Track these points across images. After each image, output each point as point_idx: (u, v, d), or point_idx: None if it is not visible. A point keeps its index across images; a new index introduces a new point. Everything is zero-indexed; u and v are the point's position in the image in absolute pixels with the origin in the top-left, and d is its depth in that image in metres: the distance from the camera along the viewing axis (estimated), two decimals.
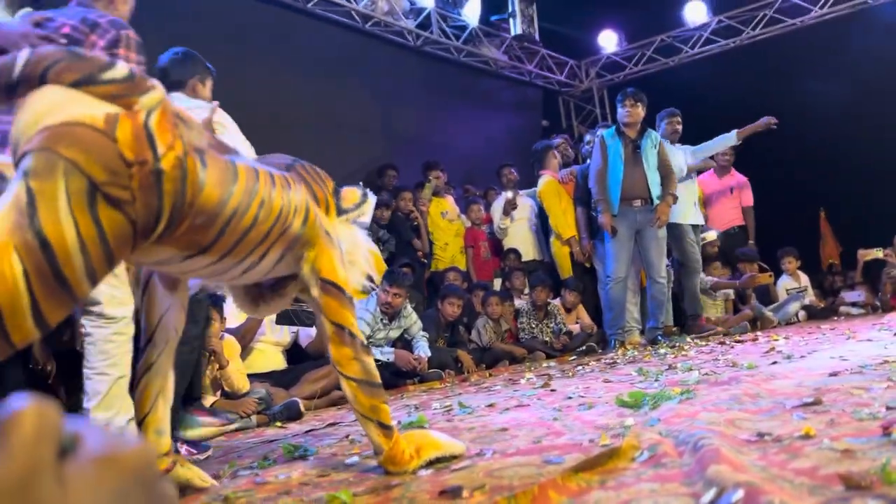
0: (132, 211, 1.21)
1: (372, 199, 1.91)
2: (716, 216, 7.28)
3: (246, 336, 3.83)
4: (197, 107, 2.79)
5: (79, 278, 1.14)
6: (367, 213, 1.89)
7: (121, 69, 1.24)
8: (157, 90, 1.28)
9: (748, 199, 7.24)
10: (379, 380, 1.72)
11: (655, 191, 5.56)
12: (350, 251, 1.82)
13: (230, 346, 3.57)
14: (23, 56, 1.19)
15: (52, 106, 1.17)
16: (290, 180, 1.61)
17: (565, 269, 6.40)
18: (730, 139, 6.29)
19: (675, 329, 5.84)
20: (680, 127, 6.24)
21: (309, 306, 1.77)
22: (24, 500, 0.29)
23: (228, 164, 1.42)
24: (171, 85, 2.98)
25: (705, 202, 7.30)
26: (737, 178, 7.27)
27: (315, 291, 1.68)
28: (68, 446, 0.32)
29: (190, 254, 1.41)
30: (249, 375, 3.55)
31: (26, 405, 0.31)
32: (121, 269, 2.18)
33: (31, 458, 0.30)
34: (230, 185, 1.39)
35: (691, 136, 6.39)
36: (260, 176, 1.50)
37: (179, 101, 2.86)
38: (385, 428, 1.66)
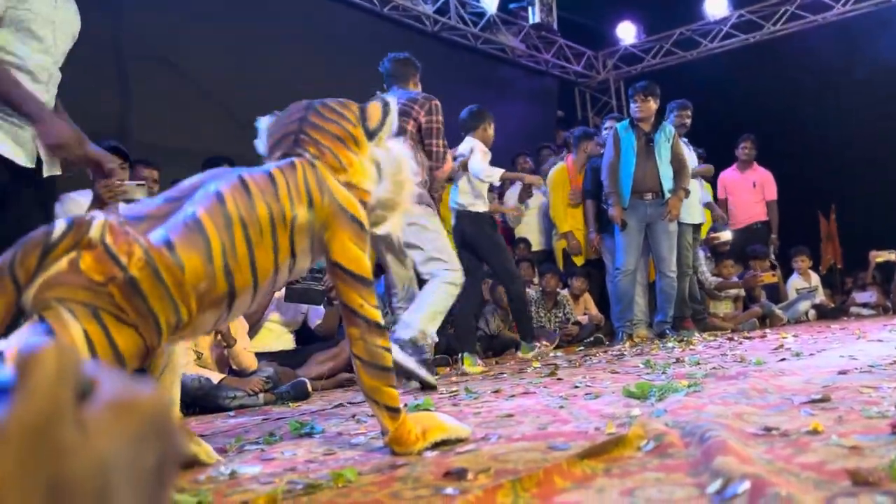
0: (129, 317, 1.36)
1: (394, 107, 1.85)
2: (738, 211, 7.23)
3: (254, 315, 3.85)
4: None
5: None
6: (393, 124, 1.86)
7: (59, 226, 1.35)
8: (97, 218, 1.39)
9: (771, 193, 7.17)
10: (388, 363, 1.70)
11: (667, 184, 5.54)
12: (394, 172, 1.79)
13: (237, 324, 3.59)
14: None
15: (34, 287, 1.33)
16: (273, 174, 1.62)
17: (561, 262, 6.41)
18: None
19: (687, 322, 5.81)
20: (689, 121, 6.19)
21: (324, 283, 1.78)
22: (44, 440, 0.29)
23: (188, 218, 1.48)
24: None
25: (727, 197, 7.26)
26: (759, 172, 7.21)
27: (330, 274, 1.72)
28: (86, 389, 0.32)
29: (227, 305, 1.52)
30: (257, 354, 3.57)
31: (46, 346, 0.31)
32: None
33: (51, 398, 0.30)
34: (202, 242, 1.46)
35: (708, 132, 6.34)
36: (226, 200, 1.53)
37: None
38: (391, 410, 1.66)
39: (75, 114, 2.77)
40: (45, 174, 2.44)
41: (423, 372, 3.17)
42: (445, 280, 3.51)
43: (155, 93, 5.45)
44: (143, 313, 1.36)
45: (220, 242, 1.47)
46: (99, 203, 3.07)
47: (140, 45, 5.48)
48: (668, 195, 5.50)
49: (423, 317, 3.39)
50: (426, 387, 3.13)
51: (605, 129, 6.49)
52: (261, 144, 1.88)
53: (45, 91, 2.40)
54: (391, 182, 1.76)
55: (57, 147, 2.25)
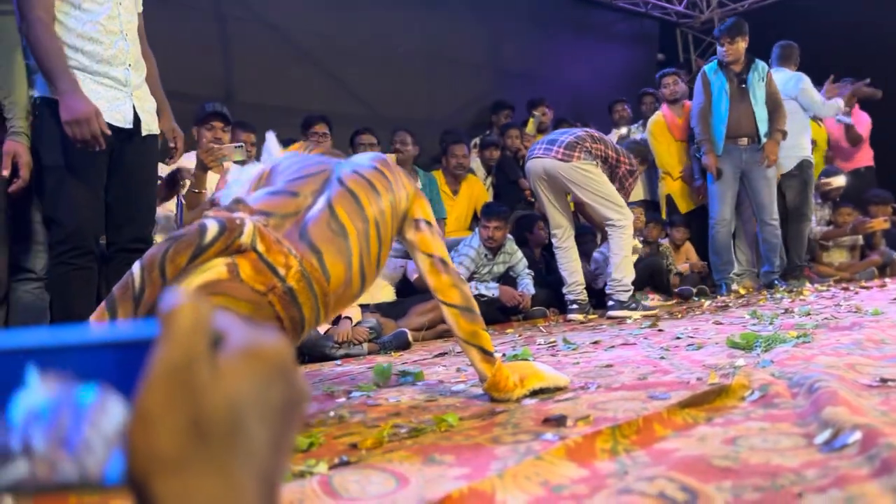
0: (283, 324, 1.45)
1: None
2: (842, 157, 6.82)
3: None
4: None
5: None
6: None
7: (212, 228, 1.38)
8: (248, 223, 1.43)
9: (864, 131, 6.71)
10: (476, 307, 1.78)
11: (763, 128, 5.24)
12: None
13: None
14: (136, 268, 1.37)
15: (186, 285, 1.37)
16: (382, 170, 1.71)
17: (682, 205, 6.14)
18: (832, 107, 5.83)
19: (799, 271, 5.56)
20: None
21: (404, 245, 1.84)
22: (185, 381, 0.34)
23: (331, 222, 1.55)
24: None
25: (832, 143, 6.84)
26: (860, 116, 6.75)
27: (411, 233, 1.77)
28: (218, 339, 0.36)
29: (353, 301, 1.66)
30: (360, 306, 3.69)
31: (183, 300, 0.36)
32: None
33: (189, 345, 0.35)
34: (345, 249, 1.54)
35: (822, 74, 5.94)
36: (362, 201, 1.61)
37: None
38: (487, 353, 1.71)
39: (182, 78, 2.91)
40: (144, 133, 2.60)
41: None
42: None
43: (255, 55, 5.60)
44: (296, 320, 1.47)
45: (359, 248, 1.57)
46: (201, 167, 3.21)
47: (239, 6, 5.63)
48: (764, 139, 5.22)
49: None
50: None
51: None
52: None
53: (103, 49, 2.49)
54: None
55: (67, 122, 2.34)
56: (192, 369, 0.34)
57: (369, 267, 1.60)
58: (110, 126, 2.45)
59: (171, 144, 2.84)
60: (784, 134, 5.30)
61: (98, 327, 0.37)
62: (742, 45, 5.25)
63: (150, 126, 2.65)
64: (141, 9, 2.74)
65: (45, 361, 0.36)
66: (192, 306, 0.35)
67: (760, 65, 5.33)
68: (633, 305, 4.20)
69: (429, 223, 1.77)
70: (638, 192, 6.45)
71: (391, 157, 1.89)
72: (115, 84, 2.51)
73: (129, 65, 2.57)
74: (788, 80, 5.74)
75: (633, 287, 4.29)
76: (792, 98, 5.71)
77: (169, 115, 2.84)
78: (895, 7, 7.75)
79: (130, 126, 2.55)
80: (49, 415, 0.35)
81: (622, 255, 4.21)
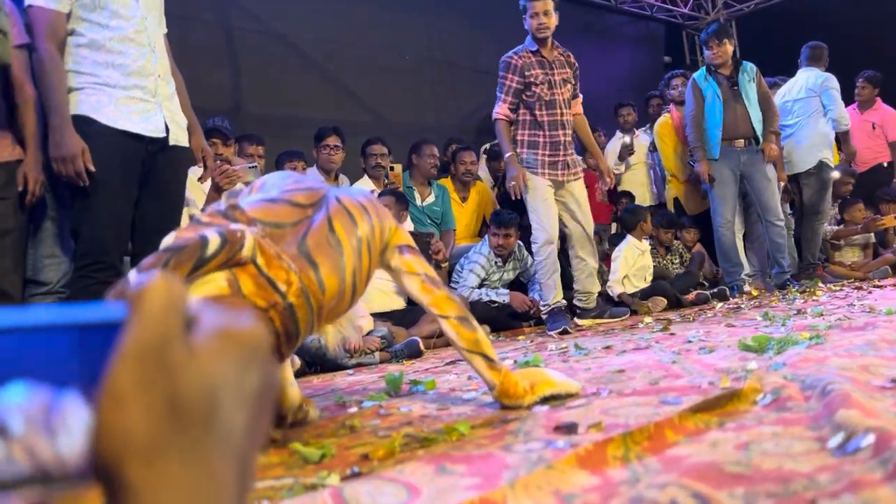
0: (280, 339, 1.46)
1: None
2: (858, 154, 6.77)
3: None
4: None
5: None
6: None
7: (214, 241, 1.35)
8: (247, 236, 1.41)
9: (893, 133, 6.67)
10: (471, 315, 1.79)
11: (760, 127, 5.23)
12: None
13: None
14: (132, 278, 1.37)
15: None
16: (369, 201, 1.73)
17: (690, 207, 6.11)
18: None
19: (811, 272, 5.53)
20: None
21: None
22: (159, 360, 0.32)
23: (329, 236, 1.56)
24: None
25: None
26: (881, 111, 6.70)
27: (395, 260, 1.77)
28: (192, 321, 0.35)
29: (343, 314, 1.68)
30: (372, 315, 3.69)
31: (156, 279, 0.34)
32: None
33: (162, 325, 0.33)
34: (340, 263, 1.55)
35: (831, 71, 5.91)
36: (356, 219, 1.63)
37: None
38: (491, 360, 1.72)
39: (190, 90, 2.94)
40: (172, 143, 2.64)
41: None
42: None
43: (263, 65, 5.63)
44: (291, 334, 1.47)
45: (353, 263, 1.58)
46: (216, 189, 3.25)
47: (248, 17, 5.66)
48: (762, 140, 5.21)
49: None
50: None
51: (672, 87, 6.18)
52: None
53: (132, 60, 2.54)
54: None
55: (54, 158, 2.42)
56: (167, 348, 0.32)
57: (360, 283, 1.62)
58: (142, 137, 2.50)
59: (200, 164, 2.88)
60: (777, 135, 5.29)
61: (52, 309, 0.34)
62: (729, 47, 5.26)
63: (179, 138, 2.70)
64: (166, 30, 2.78)
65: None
66: (165, 285, 0.34)
67: (748, 66, 5.34)
68: (562, 323, 3.91)
69: (410, 247, 1.79)
70: (645, 196, 6.44)
71: (398, 168, 1.91)
72: (146, 95, 2.57)
73: (159, 75, 2.62)
74: (817, 77, 5.74)
75: (556, 304, 4.05)
76: (816, 95, 5.70)
77: (199, 134, 2.89)
78: None
79: (163, 135, 2.60)
80: (27, 398, 0.33)
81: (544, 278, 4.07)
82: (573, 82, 4.29)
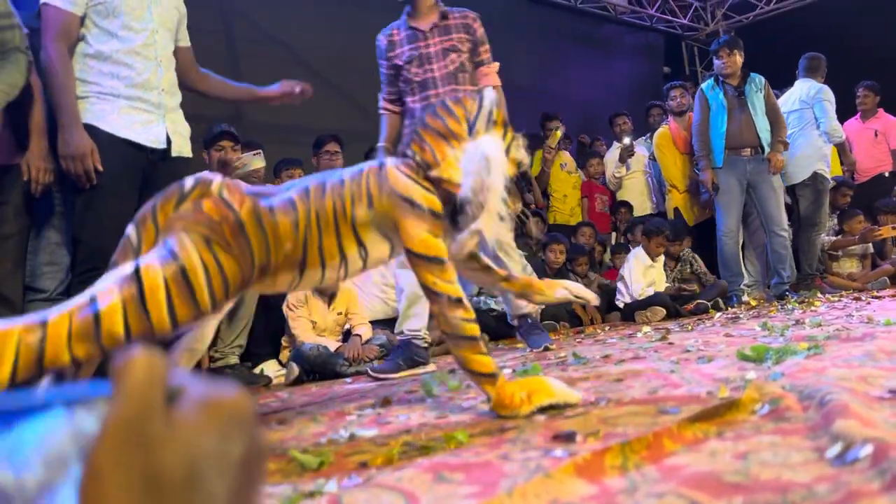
0: (234, 251, 1.66)
1: (489, 101, 1.86)
2: (860, 163, 6.80)
3: (328, 288, 3.94)
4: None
5: (203, 292, 1.59)
6: (486, 118, 1.86)
7: (189, 181, 1.77)
8: (216, 179, 1.78)
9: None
10: (470, 333, 1.75)
11: (766, 137, 5.26)
12: (478, 170, 1.78)
13: (352, 297, 3.72)
14: (130, 228, 1.81)
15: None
16: (344, 179, 1.88)
17: (690, 217, 6.11)
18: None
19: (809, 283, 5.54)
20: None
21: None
22: (138, 435, 0.33)
23: (284, 200, 1.81)
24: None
25: (850, 148, 6.83)
26: (883, 120, 6.73)
27: (406, 259, 1.84)
28: (174, 394, 0.35)
29: (299, 272, 1.83)
30: (372, 322, 3.69)
31: (138, 354, 0.35)
32: None
33: (143, 399, 0.34)
34: (293, 215, 1.79)
35: (829, 82, 5.94)
36: (310, 193, 1.83)
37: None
38: (484, 376, 1.72)
39: (192, 98, 2.96)
40: (174, 154, 2.66)
41: None
42: None
43: (264, 73, 5.64)
44: (244, 250, 1.68)
45: (305, 221, 1.79)
46: (220, 167, 3.32)
47: (249, 26, 5.68)
48: (767, 149, 5.23)
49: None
50: None
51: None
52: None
53: (136, 73, 2.56)
54: (474, 180, 1.77)
55: (63, 156, 2.44)
56: (146, 423, 0.33)
57: (310, 243, 1.79)
58: (144, 148, 2.52)
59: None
60: (785, 145, 5.31)
61: (39, 390, 0.36)
62: (739, 58, 5.29)
63: (182, 149, 2.72)
64: (188, 43, 2.82)
65: None
66: (147, 360, 0.35)
67: (757, 77, 5.37)
68: (544, 339, 3.52)
69: (416, 254, 1.80)
70: (644, 206, 6.45)
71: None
72: (148, 107, 2.60)
73: (163, 89, 2.64)
74: (811, 89, 5.77)
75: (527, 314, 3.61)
76: (809, 107, 5.73)
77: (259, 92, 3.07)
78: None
79: (164, 146, 2.62)
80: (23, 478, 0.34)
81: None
82: (466, 50, 3.33)
